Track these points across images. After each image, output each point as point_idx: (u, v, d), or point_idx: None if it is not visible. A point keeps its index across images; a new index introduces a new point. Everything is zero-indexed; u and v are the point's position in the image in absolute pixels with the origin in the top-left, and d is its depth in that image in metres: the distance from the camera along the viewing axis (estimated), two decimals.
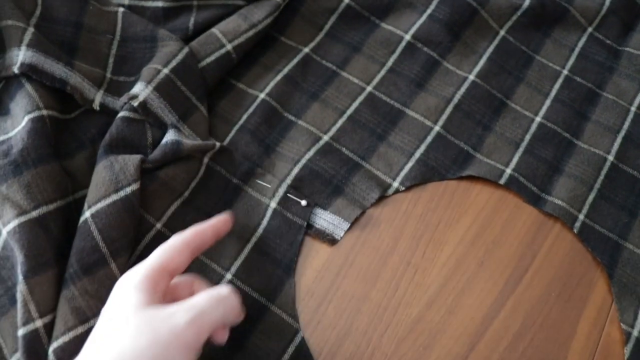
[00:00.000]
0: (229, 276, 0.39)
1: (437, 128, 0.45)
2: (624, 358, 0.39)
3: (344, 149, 0.44)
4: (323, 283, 0.40)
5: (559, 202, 0.43)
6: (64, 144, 0.41)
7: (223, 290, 0.32)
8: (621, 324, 0.40)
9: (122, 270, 0.37)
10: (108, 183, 0.38)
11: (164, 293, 0.33)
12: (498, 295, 0.40)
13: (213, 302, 0.32)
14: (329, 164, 0.43)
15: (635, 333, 0.40)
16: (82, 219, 0.37)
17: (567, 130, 0.46)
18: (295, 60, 0.46)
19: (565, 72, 0.48)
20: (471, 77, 0.47)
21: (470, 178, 0.44)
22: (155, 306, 0.31)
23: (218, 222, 0.36)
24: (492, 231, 0.42)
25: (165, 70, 0.42)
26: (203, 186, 0.41)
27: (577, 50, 0.50)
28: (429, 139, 0.44)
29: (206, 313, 0.31)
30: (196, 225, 0.35)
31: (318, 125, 0.44)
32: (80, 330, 0.35)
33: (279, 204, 0.41)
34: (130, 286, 0.32)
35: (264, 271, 0.40)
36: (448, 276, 0.41)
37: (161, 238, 0.40)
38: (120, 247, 0.37)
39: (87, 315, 0.36)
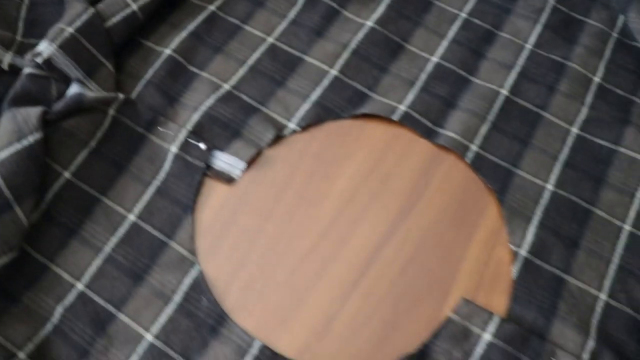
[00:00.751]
0: (132, 217, 0.41)
1: (333, 72, 0.46)
2: (511, 277, 0.40)
3: (243, 96, 0.45)
4: (221, 219, 0.41)
5: (452, 135, 0.44)
6: None
7: None
8: (510, 245, 0.41)
9: (27, 215, 0.39)
10: (11, 133, 0.40)
11: None
12: (390, 224, 0.41)
13: None
14: (228, 110, 0.44)
15: (522, 252, 0.40)
16: None
17: (463, 68, 0.47)
18: (201, 18, 0.48)
19: (463, 14, 0.49)
20: (369, 23, 0.48)
21: (365, 116, 0.45)
22: None
23: None
24: (385, 165, 0.43)
25: (70, 29, 0.44)
26: (109, 136, 0.43)
27: None
28: (326, 82, 0.46)
29: None
30: None
31: (220, 76, 0.46)
32: None
33: (179, 148, 0.43)
34: None
35: (164, 210, 0.41)
36: (341, 209, 0.42)
37: (70, 187, 0.41)
38: (24, 193, 0.39)
39: None
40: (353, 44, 0.47)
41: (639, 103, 0.47)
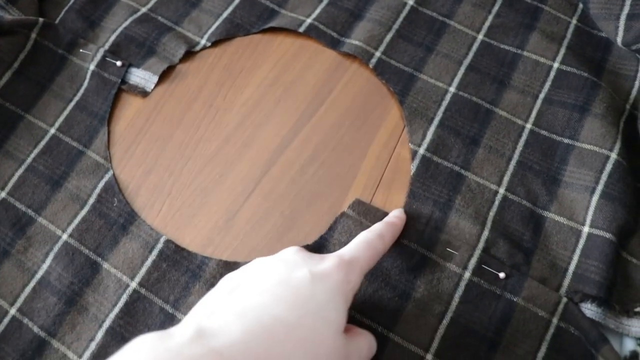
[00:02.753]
0: (52, 130, 0.42)
1: None
2: (410, 173, 0.40)
3: (159, 17, 0.46)
4: (133, 129, 0.42)
5: (357, 43, 0.43)
6: None
7: (375, 344, 0.32)
8: (410, 144, 0.40)
9: None
10: None
11: None
12: (292, 127, 0.41)
13: (368, 356, 0.31)
14: (143, 30, 0.45)
15: (421, 151, 0.40)
16: None
17: None
18: None
19: None
20: None
21: (273, 30, 0.45)
22: (343, 336, 0.28)
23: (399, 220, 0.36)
24: (291, 73, 0.43)
25: None
26: (32, 58, 0.44)
27: None
28: (236, 0, 0.46)
29: None
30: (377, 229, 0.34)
31: (138, 0, 0.46)
32: None
33: (97, 66, 0.43)
34: (342, 297, 0.28)
35: (82, 123, 0.42)
36: (246, 114, 0.42)
37: None
38: None
39: None
40: None
41: (547, 10, 0.45)
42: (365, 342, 0.31)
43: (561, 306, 0.35)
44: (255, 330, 0.25)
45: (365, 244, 0.32)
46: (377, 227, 0.34)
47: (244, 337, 0.25)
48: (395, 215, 0.37)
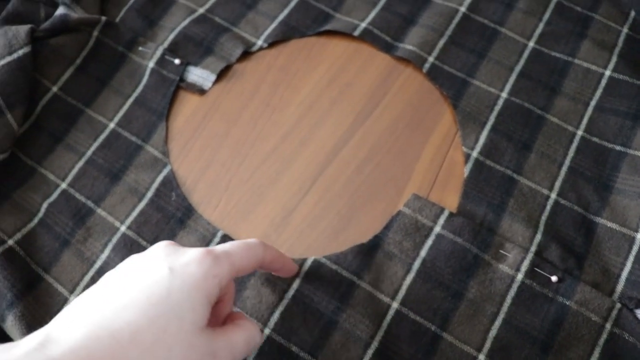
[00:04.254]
0: (112, 125, 0.42)
1: None
2: (463, 177, 0.39)
3: (216, 18, 0.45)
4: (191, 125, 0.42)
5: (411, 48, 0.43)
6: None
7: (258, 339, 0.29)
8: (463, 148, 0.40)
9: (18, 121, 0.40)
10: (2, 47, 0.41)
11: None
12: (348, 128, 0.41)
13: (247, 351, 0.28)
14: (201, 29, 0.45)
15: (474, 154, 0.40)
16: None
17: None
18: None
19: None
20: None
21: (328, 33, 0.45)
22: (206, 334, 0.26)
23: (292, 265, 0.34)
24: (346, 76, 0.43)
25: None
26: (93, 55, 0.44)
27: None
28: (293, 3, 0.46)
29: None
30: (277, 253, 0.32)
31: (196, 1, 0.46)
32: None
33: (156, 63, 0.43)
34: (200, 291, 0.26)
35: (141, 118, 0.42)
36: (302, 114, 0.42)
37: (57, 100, 0.43)
38: (15, 101, 0.40)
39: None
40: None
41: (597, 19, 0.45)
42: (241, 336, 0.28)
43: (615, 312, 0.35)
44: (101, 336, 0.23)
45: (243, 244, 0.29)
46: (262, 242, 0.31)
47: (86, 343, 0.23)
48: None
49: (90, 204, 0.39)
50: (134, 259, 0.27)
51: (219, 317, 0.29)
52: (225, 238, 0.37)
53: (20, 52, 0.41)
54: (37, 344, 0.22)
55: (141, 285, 0.25)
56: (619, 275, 0.36)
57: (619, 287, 0.36)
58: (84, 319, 0.24)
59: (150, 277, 0.25)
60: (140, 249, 0.37)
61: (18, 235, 0.38)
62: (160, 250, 0.27)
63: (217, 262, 0.27)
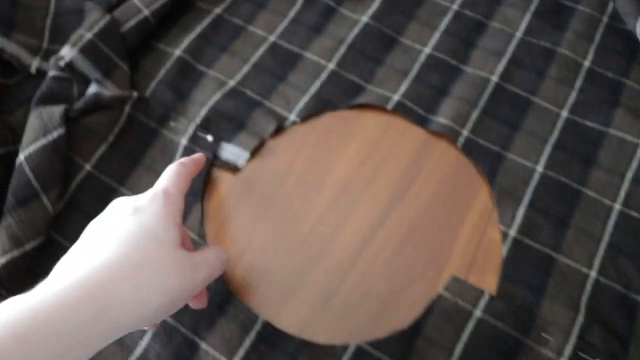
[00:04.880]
0: None
1: (331, 66, 0.46)
2: (502, 256, 0.39)
3: (247, 91, 0.45)
4: (226, 206, 0.41)
5: (444, 121, 0.43)
6: (6, 104, 0.44)
7: (224, 255, 0.34)
8: (500, 225, 0.40)
9: (53, 203, 0.40)
10: (37, 129, 0.41)
11: None
12: (385, 207, 0.41)
13: (220, 266, 0.33)
14: (233, 104, 0.44)
15: (512, 233, 0.39)
16: (17, 162, 0.40)
17: (454, 57, 0.46)
18: (207, 20, 0.48)
19: (454, 7, 0.48)
20: (364, 19, 0.47)
21: (361, 107, 0.44)
22: (183, 250, 0.30)
23: (198, 157, 0.37)
24: (380, 151, 0.42)
25: (89, 35, 0.44)
26: (125, 131, 0.44)
27: None
28: (324, 76, 0.45)
29: (213, 275, 0.32)
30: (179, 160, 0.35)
31: (226, 73, 0.46)
32: (15, 253, 0.38)
33: (189, 141, 0.43)
34: (166, 218, 0.30)
35: None
36: (338, 193, 0.41)
37: (91, 178, 0.42)
38: (50, 183, 0.40)
39: (22, 240, 0.39)
40: (349, 39, 0.47)
41: (629, 85, 0.44)
42: (212, 252, 0.32)
43: None
44: (96, 267, 0.27)
45: (170, 172, 0.33)
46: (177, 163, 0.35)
47: (85, 276, 0.26)
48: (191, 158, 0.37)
49: None
50: (101, 219, 0.31)
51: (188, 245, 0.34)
52: (267, 325, 0.37)
53: (55, 134, 0.41)
54: (44, 285, 0.26)
55: (117, 227, 0.29)
56: None
57: None
58: (78, 263, 0.27)
59: (121, 219, 0.29)
60: (180, 336, 0.37)
61: None
62: (119, 203, 0.31)
63: (167, 194, 0.31)
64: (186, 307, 0.38)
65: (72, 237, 0.40)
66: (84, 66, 0.44)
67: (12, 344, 0.23)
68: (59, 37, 0.47)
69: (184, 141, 0.43)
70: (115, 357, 0.37)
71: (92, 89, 0.43)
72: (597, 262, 0.38)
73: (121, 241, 0.28)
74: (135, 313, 0.27)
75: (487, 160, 0.42)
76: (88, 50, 0.44)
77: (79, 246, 0.29)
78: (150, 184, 0.42)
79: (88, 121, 0.43)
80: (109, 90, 0.44)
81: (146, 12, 0.46)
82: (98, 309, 0.26)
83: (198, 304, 0.35)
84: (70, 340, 0.25)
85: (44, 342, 0.24)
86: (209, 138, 0.43)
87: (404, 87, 0.44)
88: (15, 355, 0.23)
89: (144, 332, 0.37)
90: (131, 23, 0.46)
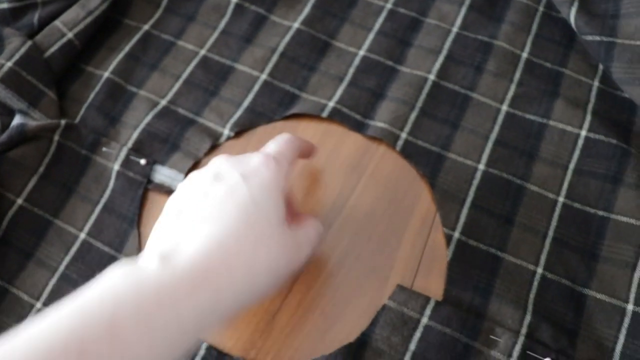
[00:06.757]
0: (82, 235, 0.42)
1: (263, 76, 0.46)
2: (446, 259, 0.40)
3: (179, 109, 0.45)
4: None
5: (382, 125, 0.43)
6: None
7: (322, 228, 0.35)
8: (444, 229, 0.40)
9: None
10: None
11: None
12: (324, 219, 0.41)
13: (318, 241, 0.34)
14: (165, 124, 0.45)
15: (456, 235, 0.40)
16: None
17: (390, 58, 0.46)
18: (135, 38, 0.49)
19: (388, 5, 0.49)
20: (296, 25, 0.48)
21: (296, 116, 0.45)
22: (289, 228, 0.30)
23: (312, 145, 0.38)
24: (318, 161, 0.43)
25: (9, 64, 0.44)
26: (56, 161, 0.44)
27: None
28: (256, 87, 0.46)
29: (313, 252, 0.33)
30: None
31: (157, 92, 0.46)
32: None
33: (121, 165, 0.43)
34: (277, 190, 0.30)
35: (112, 226, 0.42)
36: None
37: (23, 213, 0.42)
38: None
39: None
40: (281, 47, 0.47)
41: (567, 74, 0.45)
42: (313, 228, 0.33)
43: None
44: (211, 248, 0.27)
45: (284, 141, 0.34)
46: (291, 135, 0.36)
47: (202, 255, 0.27)
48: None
49: None
50: (201, 179, 0.31)
51: (289, 217, 0.33)
52: (210, 350, 0.37)
53: None
54: (158, 263, 0.26)
55: (225, 197, 0.29)
56: (613, 349, 0.37)
57: None
58: (188, 236, 0.28)
59: (229, 188, 0.29)
60: None
61: None
62: (224, 163, 0.31)
63: (278, 162, 0.31)
64: None
65: (7, 275, 0.41)
66: (6, 97, 0.44)
67: (135, 326, 0.24)
68: None
69: (116, 167, 0.43)
70: None
71: (16, 120, 0.44)
72: (543, 258, 0.39)
73: (232, 216, 0.28)
74: (242, 296, 0.28)
75: (427, 162, 0.42)
76: (10, 80, 0.44)
77: (179, 215, 0.29)
78: (86, 214, 0.42)
79: (15, 154, 0.43)
80: (36, 120, 0.44)
81: (70, 34, 0.47)
82: (212, 295, 0.26)
83: None
84: (187, 326, 0.26)
85: (165, 326, 0.25)
86: (142, 162, 0.43)
87: (339, 92, 0.45)
88: (136, 337, 0.24)
89: None
90: (55, 47, 0.46)
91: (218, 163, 0.31)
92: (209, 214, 0.28)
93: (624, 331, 0.37)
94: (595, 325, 0.37)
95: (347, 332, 0.38)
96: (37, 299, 0.40)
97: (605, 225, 0.40)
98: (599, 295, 0.38)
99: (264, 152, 0.32)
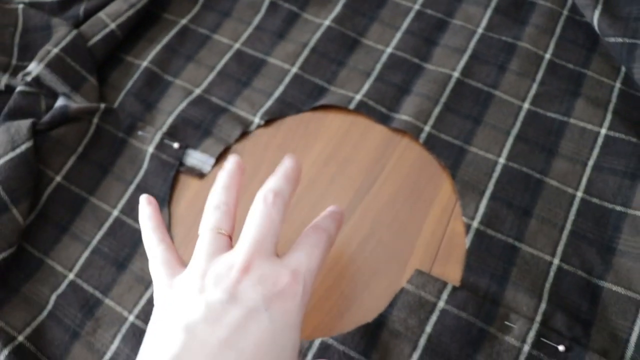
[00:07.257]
0: (115, 213, 0.44)
1: (294, 70, 0.49)
2: (465, 248, 0.41)
3: (213, 98, 0.48)
4: (193, 211, 0.44)
5: (406, 118, 0.45)
6: None
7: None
8: (463, 218, 0.42)
9: (23, 215, 0.43)
10: (5, 143, 0.44)
11: None
12: (348, 205, 0.43)
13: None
14: (198, 111, 0.47)
15: (474, 224, 0.42)
16: None
17: (416, 56, 0.49)
18: (174, 31, 0.52)
19: (416, 7, 0.51)
20: (327, 22, 0.51)
21: (324, 108, 0.47)
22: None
23: (341, 216, 0.35)
24: (343, 151, 0.45)
25: (56, 50, 0.48)
26: (94, 142, 0.47)
27: None
28: (287, 79, 0.48)
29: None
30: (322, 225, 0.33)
31: (192, 82, 0.49)
32: None
33: (155, 148, 0.46)
34: (300, 321, 0.28)
35: None
36: (302, 194, 0.44)
37: (61, 189, 0.45)
38: (19, 196, 0.43)
39: None
40: (312, 43, 0.50)
41: (590, 75, 0.47)
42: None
43: None
44: None
45: (316, 249, 0.31)
46: (324, 223, 0.33)
47: None
48: (335, 211, 0.34)
49: (98, 294, 0.41)
50: (227, 310, 0.27)
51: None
52: None
53: (23, 147, 0.44)
54: None
55: (246, 335, 0.26)
56: (627, 341, 0.38)
57: (629, 352, 0.37)
58: None
59: (252, 326, 0.26)
60: None
61: (28, 330, 0.40)
62: (254, 291, 0.27)
63: (305, 288, 0.29)
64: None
65: (43, 247, 0.43)
66: (52, 80, 0.47)
67: None
68: (28, 54, 0.50)
69: (150, 149, 0.46)
70: None
71: (60, 102, 0.47)
72: (560, 250, 0.41)
73: (254, 353, 0.26)
74: None
75: (449, 154, 0.44)
76: (55, 65, 0.47)
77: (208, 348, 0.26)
78: (119, 193, 0.45)
79: (57, 133, 0.46)
80: (77, 103, 0.47)
81: (112, 25, 0.50)
82: None
83: None
84: None
85: None
86: (175, 145, 0.46)
87: (366, 86, 0.47)
88: None
89: (114, 335, 0.40)
90: (98, 37, 0.50)
91: (246, 290, 0.27)
92: (230, 355, 0.25)
93: (639, 323, 0.38)
94: (610, 316, 0.38)
95: (365, 313, 0.40)
96: (70, 270, 0.42)
97: (623, 219, 0.41)
98: (614, 288, 0.39)
99: (296, 267, 0.29)
